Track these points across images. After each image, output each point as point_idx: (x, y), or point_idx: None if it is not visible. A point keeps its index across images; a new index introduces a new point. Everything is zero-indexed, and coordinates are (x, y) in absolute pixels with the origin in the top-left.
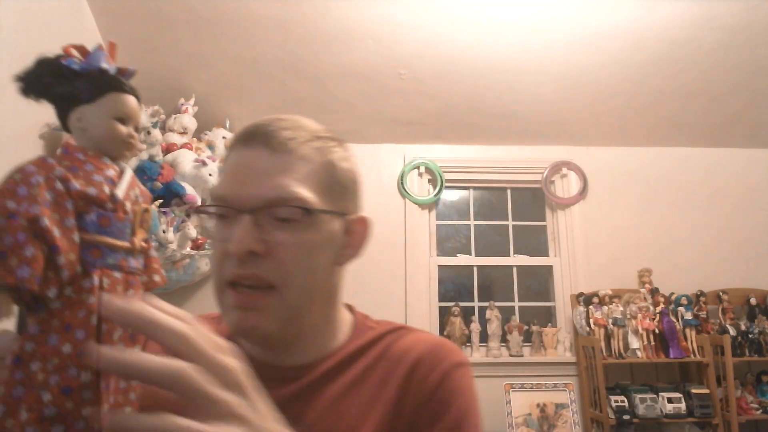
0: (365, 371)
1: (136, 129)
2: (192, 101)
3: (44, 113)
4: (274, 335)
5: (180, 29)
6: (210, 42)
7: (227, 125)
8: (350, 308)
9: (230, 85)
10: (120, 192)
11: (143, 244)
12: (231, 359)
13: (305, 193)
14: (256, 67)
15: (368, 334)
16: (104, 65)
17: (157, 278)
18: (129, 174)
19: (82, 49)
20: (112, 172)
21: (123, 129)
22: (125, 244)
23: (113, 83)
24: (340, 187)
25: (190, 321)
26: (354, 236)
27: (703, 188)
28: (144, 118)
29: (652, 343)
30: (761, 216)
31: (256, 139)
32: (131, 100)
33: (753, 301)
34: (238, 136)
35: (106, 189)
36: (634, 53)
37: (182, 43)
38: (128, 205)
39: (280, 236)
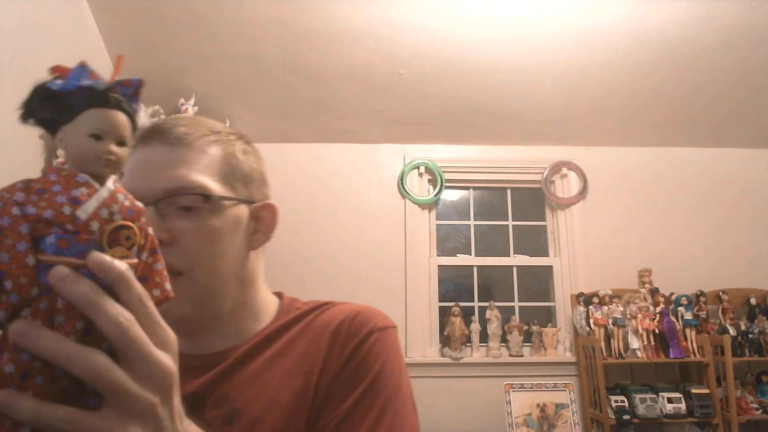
0: (287, 345)
1: (121, 143)
2: (192, 101)
3: None
4: (188, 318)
5: (180, 29)
6: (210, 42)
7: (227, 125)
8: (279, 294)
9: (230, 85)
10: (83, 212)
11: (122, 261)
12: (168, 361)
13: (204, 180)
14: (256, 67)
15: (293, 314)
16: (85, 82)
17: (156, 293)
18: (103, 193)
19: (64, 69)
20: (83, 191)
21: (98, 146)
22: (78, 261)
23: (91, 99)
24: (243, 176)
25: (143, 310)
26: (262, 222)
27: (703, 188)
28: (144, 118)
29: (652, 343)
30: (761, 216)
31: (154, 137)
32: (112, 114)
33: (753, 301)
34: (138, 137)
35: (66, 210)
36: (634, 53)
37: (182, 43)
38: (95, 225)
39: (183, 224)
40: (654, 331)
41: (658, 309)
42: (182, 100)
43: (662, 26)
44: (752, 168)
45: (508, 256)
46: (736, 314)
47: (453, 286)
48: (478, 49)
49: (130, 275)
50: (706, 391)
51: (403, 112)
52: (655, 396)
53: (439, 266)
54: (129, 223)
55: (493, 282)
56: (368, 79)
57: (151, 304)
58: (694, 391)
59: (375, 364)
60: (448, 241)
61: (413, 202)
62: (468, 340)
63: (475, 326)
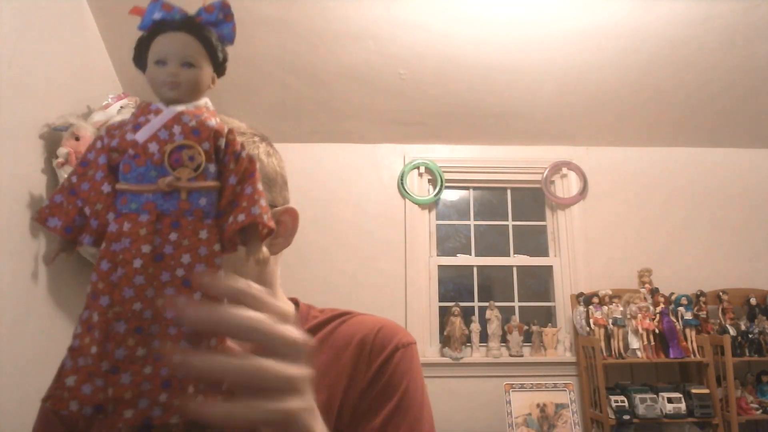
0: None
1: (188, 64)
2: None
3: (44, 113)
4: None
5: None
6: None
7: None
8: (295, 300)
9: (230, 85)
10: (140, 135)
11: (187, 183)
12: (296, 333)
13: None
14: (256, 67)
15: (311, 323)
16: (157, 16)
17: (241, 217)
18: (164, 115)
19: (140, 10)
20: (150, 117)
21: (161, 70)
22: (148, 186)
23: (154, 30)
24: (266, 179)
25: (256, 298)
26: (283, 226)
27: (703, 188)
28: None
29: (652, 343)
30: (761, 216)
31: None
32: (171, 37)
33: (753, 301)
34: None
35: (129, 136)
36: (634, 53)
37: None
38: (153, 146)
39: None
40: (654, 331)
41: (658, 309)
42: None
43: (662, 26)
44: (752, 168)
45: (508, 256)
46: (736, 314)
47: (453, 286)
48: (478, 49)
49: (236, 289)
50: (706, 391)
51: (403, 112)
52: (655, 396)
53: (439, 266)
54: (189, 142)
55: (493, 282)
56: (368, 79)
57: (256, 287)
58: (694, 391)
59: (402, 381)
60: (448, 241)
61: (413, 202)
62: (468, 340)
63: (475, 326)
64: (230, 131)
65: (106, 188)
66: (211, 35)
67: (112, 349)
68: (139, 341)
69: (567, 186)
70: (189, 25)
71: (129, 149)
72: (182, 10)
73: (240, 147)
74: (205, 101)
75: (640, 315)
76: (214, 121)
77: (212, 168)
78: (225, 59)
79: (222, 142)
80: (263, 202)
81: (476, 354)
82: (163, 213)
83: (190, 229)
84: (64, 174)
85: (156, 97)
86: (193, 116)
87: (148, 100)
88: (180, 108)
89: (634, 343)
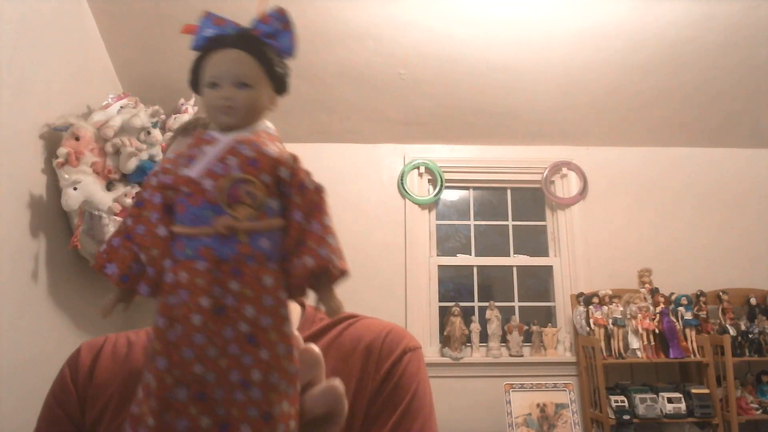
0: None
1: (243, 84)
2: (192, 101)
3: (44, 113)
4: None
5: (180, 29)
6: None
7: None
8: (301, 302)
9: None
10: (194, 170)
11: (247, 223)
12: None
13: None
14: None
15: (317, 325)
16: (209, 32)
17: (309, 261)
18: (217, 145)
19: (192, 28)
20: (203, 148)
21: (213, 94)
22: (204, 228)
23: (206, 49)
24: None
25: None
26: None
27: (703, 188)
28: (144, 117)
29: (652, 343)
30: (761, 216)
31: (196, 129)
32: (223, 56)
33: (753, 301)
34: (179, 128)
35: (182, 171)
36: (634, 53)
37: (182, 43)
38: (207, 182)
39: None
40: (654, 331)
41: (658, 309)
42: (182, 100)
43: (662, 26)
44: (752, 168)
45: (508, 256)
46: (736, 314)
47: (453, 286)
48: (478, 49)
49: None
50: (706, 391)
51: (403, 112)
52: (655, 396)
53: (439, 266)
54: (247, 176)
55: (493, 282)
56: (368, 79)
57: (289, 343)
58: (694, 391)
59: (411, 385)
60: (448, 241)
61: (413, 202)
62: (468, 340)
63: (475, 326)
64: (294, 158)
65: (161, 231)
66: (267, 49)
67: (171, 419)
68: (202, 410)
69: (567, 186)
70: (242, 40)
71: (183, 186)
72: (236, 23)
73: (306, 176)
74: (264, 125)
75: (640, 315)
76: (274, 149)
77: (274, 203)
78: (285, 75)
79: (285, 173)
80: (333, 241)
81: (476, 354)
82: (222, 259)
83: (252, 277)
84: (64, 174)
85: (212, 123)
86: (251, 144)
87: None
88: (236, 136)
89: (634, 343)
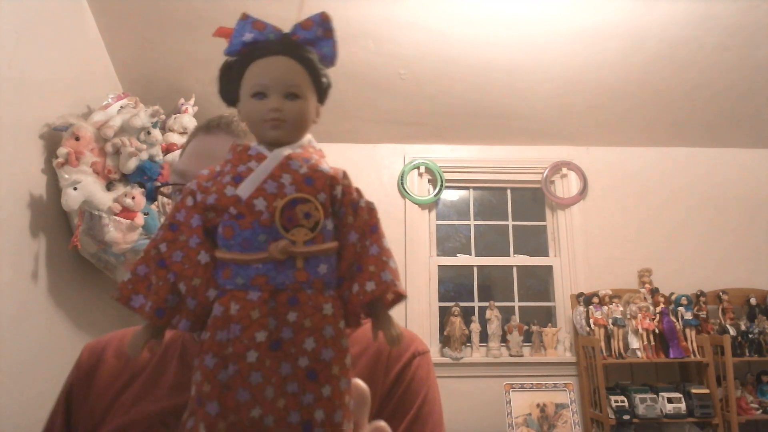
0: None
1: (291, 95)
2: (192, 101)
3: (44, 113)
4: None
5: (180, 29)
6: (210, 42)
7: None
8: None
9: None
10: (243, 189)
11: (305, 247)
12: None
13: None
14: None
15: None
16: (248, 37)
17: (370, 286)
18: (268, 163)
19: (226, 31)
20: (251, 164)
21: (260, 105)
22: (258, 255)
23: (248, 55)
24: None
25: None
26: None
27: (703, 188)
28: (144, 117)
29: (652, 343)
30: (761, 216)
31: (220, 126)
32: (271, 63)
33: (753, 301)
34: (200, 125)
35: (229, 190)
36: (634, 53)
37: (182, 43)
38: (260, 204)
39: None
40: (654, 331)
41: (658, 309)
42: (182, 100)
43: (662, 26)
44: (752, 168)
45: (508, 256)
46: (736, 314)
47: (453, 286)
48: (478, 49)
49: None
50: (706, 391)
51: (403, 112)
52: (655, 396)
53: (439, 266)
54: (304, 195)
55: (493, 282)
56: (368, 79)
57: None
58: (694, 391)
59: (421, 390)
60: (448, 241)
61: (413, 202)
62: (468, 340)
63: (475, 326)
64: (344, 175)
65: (203, 258)
66: (314, 57)
67: None
68: None
69: (567, 186)
70: (288, 46)
71: (230, 207)
72: (277, 28)
73: (357, 194)
74: (308, 139)
75: (640, 315)
76: (327, 165)
77: (330, 224)
78: (329, 85)
79: (339, 191)
80: (393, 264)
81: (476, 354)
82: (278, 288)
83: (311, 306)
84: (64, 174)
85: (254, 135)
86: (303, 160)
87: (245, 142)
88: (287, 151)
89: (634, 343)
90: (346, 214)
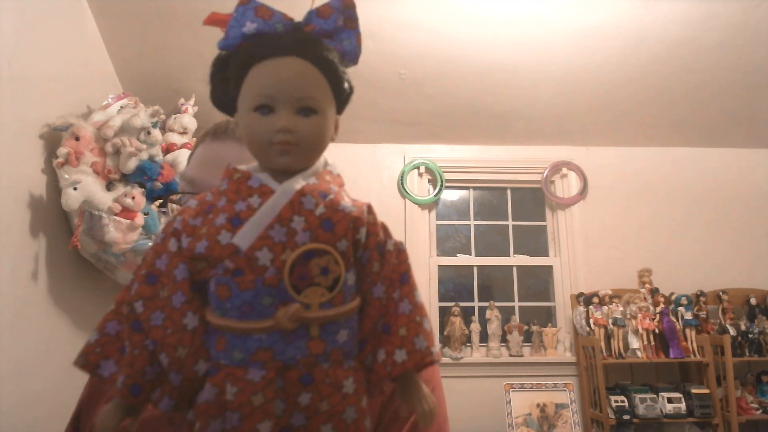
0: None
1: (307, 110)
2: (192, 101)
3: (44, 113)
4: None
5: (180, 29)
6: (210, 42)
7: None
8: None
9: None
10: (242, 237)
11: (321, 312)
12: None
13: None
14: None
15: None
16: (249, 27)
17: (400, 356)
18: (273, 200)
19: (220, 18)
20: (253, 201)
21: (266, 123)
22: (261, 323)
23: (249, 53)
24: None
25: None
26: None
27: (703, 188)
28: (144, 117)
29: (652, 343)
30: (761, 216)
31: (227, 133)
32: (277, 67)
33: (753, 301)
34: (208, 131)
35: (223, 237)
36: (634, 53)
37: (182, 43)
38: (264, 256)
39: None
40: (654, 331)
41: (658, 309)
42: (182, 100)
43: (662, 26)
44: (752, 168)
45: (508, 256)
46: (736, 314)
47: (453, 286)
48: (478, 49)
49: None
50: (706, 391)
51: (403, 112)
52: (655, 396)
53: (439, 266)
54: (322, 246)
55: (493, 282)
56: (368, 79)
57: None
58: (694, 391)
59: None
60: (448, 241)
61: (413, 202)
62: (468, 340)
63: (475, 326)
64: (369, 209)
65: (190, 322)
66: (334, 57)
67: None
68: None
69: (567, 186)
70: (302, 43)
71: (225, 260)
72: (286, 16)
73: (384, 233)
74: (324, 162)
75: (640, 315)
76: (348, 199)
77: (351, 278)
78: (351, 92)
79: (363, 233)
80: (427, 325)
81: (476, 354)
82: (287, 364)
83: (328, 384)
84: (64, 174)
85: (254, 157)
86: (319, 196)
87: (243, 168)
88: (299, 184)
89: (634, 343)
90: (372, 260)
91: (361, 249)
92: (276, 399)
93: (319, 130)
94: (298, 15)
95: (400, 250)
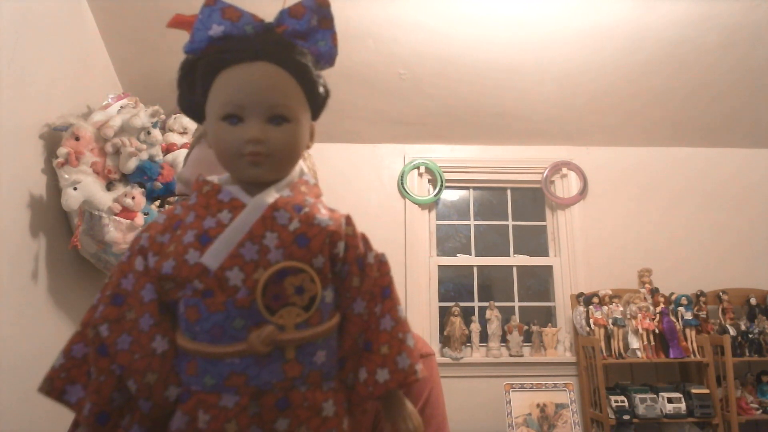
0: None
1: (279, 119)
2: None
3: (44, 113)
4: None
5: (180, 29)
6: None
7: None
8: None
9: None
10: (213, 256)
11: (297, 333)
12: None
13: None
14: None
15: None
16: (216, 30)
17: (382, 375)
18: (244, 215)
19: (184, 20)
20: (222, 216)
21: (235, 133)
22: (232, 346)
23: (216, 57)
24: None
25: None
26: None
27: (702, 188)
28: (144, 117)
29: (652, 343)
30: (761, 216)
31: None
32: (246, 73)
33: (753, 301)
34: (203, 131)
35: (191, 256)
36: (634, 53)
37: (182, 42)
38: (235, 276)
39: None
40: (654, 331)
41: (658, 309)
42: None
43: (662, 26)
44: (752, 168)
45: (508, 256)
46: (736, 314)
47: (453, 286)
48: (478, 49)
49: None
50: (706, 391)
51: (403, 112)
52: (655, 396)
53: (439, 266)
54: (297, 264)
55: (493, 282)
56: (368, 79)
57: None
58: (694, 391)
59: (423, 391)
60: (448, 241)
61: (413, 202)
62: (468, 340)
63: (475, 326)
64: (348, 221)
65: (159, 345)
66: (308, 61)
67: None
68: None
69: (567, 186)
70: (273, 46)
71: (194, 280)
72: (256, 17)
73: (364, 245)
74: (300, 171)
75: (640, 315)
76: (325, 211)
77: (329, 295)
78: (327, 97)
79: (341, 247)
80: (410, 341)
81: (476, 354)
82: (262, 389)
83: (306, 408)
84: (64, 174)
85: (223, 168)
86: (293, 209)
87: (211, 179)
88: (271, 197)
89: (634, 343)
90: (351, 274)
91: (340, 263)
92: (251, 426)
93: (292, 140)
94: (269, 15)
95: (381, 262)
